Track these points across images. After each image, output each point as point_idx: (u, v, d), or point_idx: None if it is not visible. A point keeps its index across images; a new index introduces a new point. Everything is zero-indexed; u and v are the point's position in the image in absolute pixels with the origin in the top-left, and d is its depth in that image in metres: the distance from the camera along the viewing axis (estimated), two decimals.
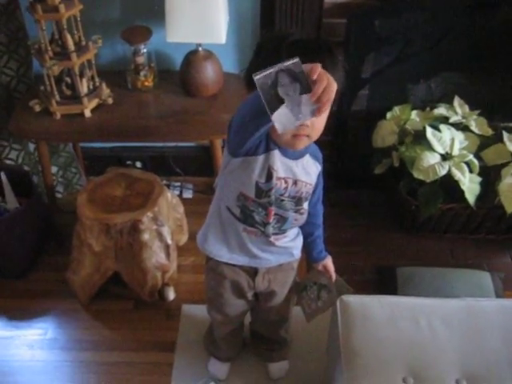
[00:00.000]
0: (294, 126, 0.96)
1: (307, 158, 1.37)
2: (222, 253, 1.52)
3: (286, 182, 1.33)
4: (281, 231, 1.44)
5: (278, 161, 1.30)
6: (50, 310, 2.14)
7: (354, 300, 1.58)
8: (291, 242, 1.53)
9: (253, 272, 1.56)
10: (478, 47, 2.36)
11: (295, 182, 1.35)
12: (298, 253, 1.59)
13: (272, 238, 1.44)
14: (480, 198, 2.20)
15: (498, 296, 2.10)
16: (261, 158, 1.29)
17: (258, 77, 0.92)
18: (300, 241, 1.58)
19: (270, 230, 1.41)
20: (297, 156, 1.33)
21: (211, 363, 1.92)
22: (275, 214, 1.38)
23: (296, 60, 0.93)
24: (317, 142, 1.35)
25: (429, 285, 2.08)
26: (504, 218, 2.28)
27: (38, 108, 2.07)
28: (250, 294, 1.63)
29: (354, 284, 2.20)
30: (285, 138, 1.24)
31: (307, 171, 1.37)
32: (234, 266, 1.54)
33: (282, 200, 1.36)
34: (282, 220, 1.41)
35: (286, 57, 1.05)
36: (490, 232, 2.42)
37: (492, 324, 1.52)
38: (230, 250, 1.50)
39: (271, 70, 0.93)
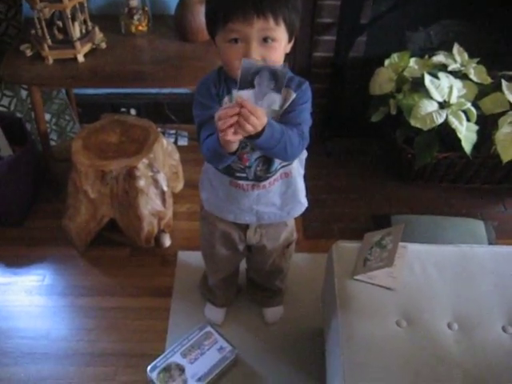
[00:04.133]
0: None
1: None
2: (215, 210, 1.52)
3: None
4: (270, 173, 1.39)
5: None
6: (47, 256, 2.16)
7: (350, 246, 1.59)
8: (290, 182, 1.45)
9: (244, 225, 1.55)
10: None
11: None
12: (305, 200, 1.54)
13: (266, 183, 1.40)
14: (476, 146, 2.20)
15: (490, 244, 2.12)
16: (226, 99, 1.27)
17: (246, 60, 1.06)
18: (302, 182, 1.50)
19: (257, 173, 1.37)
20: None
21: (207, 308, 1.95)
22: (258, 157, 1.34)
23: (285, 68, 1.09)
24: (312, 88, 1.32)
25: (423, 232, 2.10)
26: (499, 167, 2.29)
27: (29, 52, 2.02)
28: (241, 247, 1.63)
29: (350, 231, 2.25)
30: (237, 74, 1.17)
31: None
32: None
33: None
34: (267, 161, 1.36)
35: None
36: (485, 181, 2.44)
37: (484, 270, 1.54)
38: (225, 209, 1.49)
39: (260, 64, 1.07)
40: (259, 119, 1.09)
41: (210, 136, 1.24)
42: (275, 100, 1.09)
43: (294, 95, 1.29)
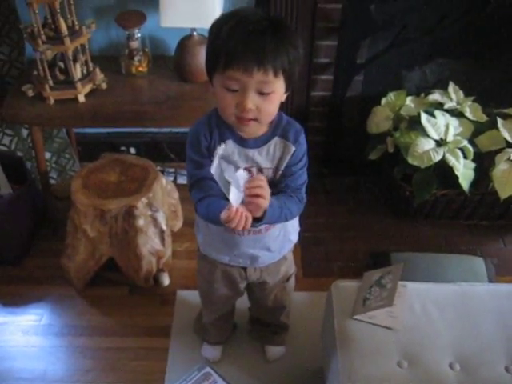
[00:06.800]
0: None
1: (275, 142, 1.31)
2: (212, 253, 1.53)
3: (249, 172, 1.29)
4: None
5: (236, 152, 1.29)
6: (45, 295, 2.14)
7: (349, 285, 1.59)
8: (284, 226, 1.47)
9: None
10: (473, 33, 2.36)
11: (261, 170, 1.31)
12: (295, 237, 1.56)
13: (262, 228, 1.39)
14: (474, 184, 2.21)
15: (490, 281, 2.11)
16: (219, 151, 1.28)
17: (213, 171, 1.14)
18: (296, 222, 1.53)
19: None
20: (259, 144, 1.30)
21: (203, 348, 1.93)
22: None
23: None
24: (309, 127, 1.34)
25: (423, 270, 2.09)
26: (497, 203, 2.29)
27: (31, 93, 2.05)
28: (242, 286, 1.62)
29: (349, 269, 2.24)
30: (230, 120, 1.23)
31: (274, 156, 1.32)
32: None
33: None
34: None
35: (226, 39, 1.13)
36: (484, 218, 2.44)
37: (485, 308, 1.53)
38: (221, 252, 1.50)
39: (216, 162, 1.15)
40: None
41: (205, 199, 1.27)
42: (243, 174, 1.16)
43: (293, 149, 1.31)
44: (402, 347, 1.44)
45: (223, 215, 1.15)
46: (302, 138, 1.33)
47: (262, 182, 1.16)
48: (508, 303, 1.55)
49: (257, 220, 1.19)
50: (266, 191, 1.17)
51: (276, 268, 1.60)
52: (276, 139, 1.31)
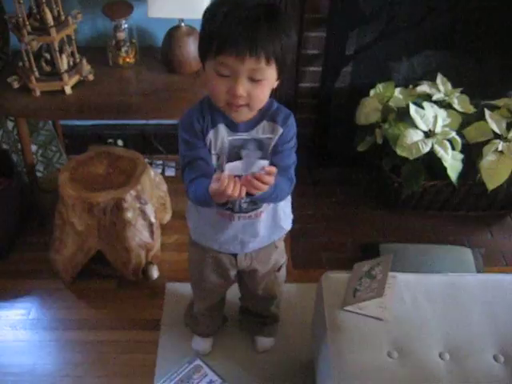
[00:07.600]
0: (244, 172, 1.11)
1: (263, 125, 1.31)
2: (202, 240, 1.53)
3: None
4: (256, 204, 1.40)
5: (226, 137, 1.29)
6: (33, 289, 2.12)
7: (339, 276, 1.59)
8: (274, 212, 1.47)
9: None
10: (461, 25, 2.36)
11: None
12: (287, 224, 1.56)
13: (252, 214, 1.41)
14: (462, 175, 2.22)
15: (478, 271, 2.13)
16: (210, 135, 1.29)
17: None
18: (287, 208, 1.53)
19: (242, 205, 1.38)
20: (248, 127, 1.30)
21: (194, 340, 1.93)
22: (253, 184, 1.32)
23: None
24: (297, 118, 1.34)
25: (412, 261, 2.10)
26: (485, 194, 2.31)
27: (16, 84, 2.02)
28: (232, 273, 1.62)
29: (338, 260, 2.25)
30: (220, 105, 1.24)
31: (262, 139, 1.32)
32: None
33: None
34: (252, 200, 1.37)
35: (219, 24, 1.13)
36: (471, 209, 2.45)
37: (474, 298, 1.54)
38: (211, 239, 1.50)
39: (245, 137, 1.14)
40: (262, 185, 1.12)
41: (196, 179, 1.26)
42: (264, 165, 1.12)
43: (281, 131, 1.32)
44: (392, 337, 1.44)
45: (213, 183, 1.13)
46: (292, 121, 1.34)
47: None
48: (496, 293, 1.56)
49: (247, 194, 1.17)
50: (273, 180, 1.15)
51: (266, 256, 1.60)
52: (264, 122, 1.32)
